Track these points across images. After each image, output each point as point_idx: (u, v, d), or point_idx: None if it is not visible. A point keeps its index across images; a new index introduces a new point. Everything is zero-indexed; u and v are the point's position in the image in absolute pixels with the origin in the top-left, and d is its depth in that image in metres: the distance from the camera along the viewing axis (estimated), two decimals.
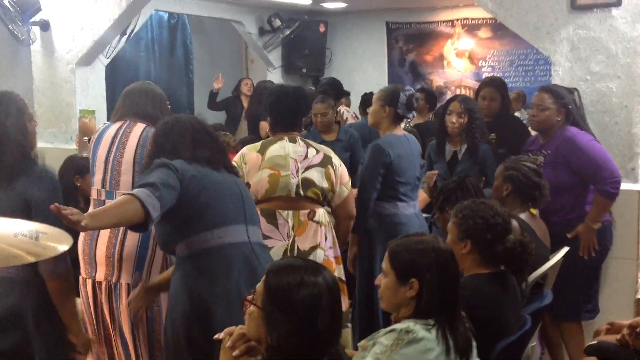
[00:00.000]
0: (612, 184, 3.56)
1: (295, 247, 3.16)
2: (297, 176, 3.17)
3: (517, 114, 5.72)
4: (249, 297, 1.86)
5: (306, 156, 3.22)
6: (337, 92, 5.82)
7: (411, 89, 3.76)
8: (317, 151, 3.27)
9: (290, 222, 3.16)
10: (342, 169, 3.34)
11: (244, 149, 3.25)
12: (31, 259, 1.56)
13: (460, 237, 2.49)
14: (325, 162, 3.26)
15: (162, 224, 2.51)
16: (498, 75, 8.05)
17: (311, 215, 3.20)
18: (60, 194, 2.63)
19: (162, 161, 2.51)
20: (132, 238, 2.98)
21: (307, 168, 3.20)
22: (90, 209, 3.12)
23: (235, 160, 3.18)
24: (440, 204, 3.21)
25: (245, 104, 7.63)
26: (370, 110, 3.79)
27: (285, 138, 3.23)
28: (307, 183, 3.19)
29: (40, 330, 2.54)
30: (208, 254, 2.50)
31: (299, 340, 1.75)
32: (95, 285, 3.06)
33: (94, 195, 3.14)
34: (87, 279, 3.09)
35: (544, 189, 3.34)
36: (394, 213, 3.64)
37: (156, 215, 2.33)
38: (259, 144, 3.26)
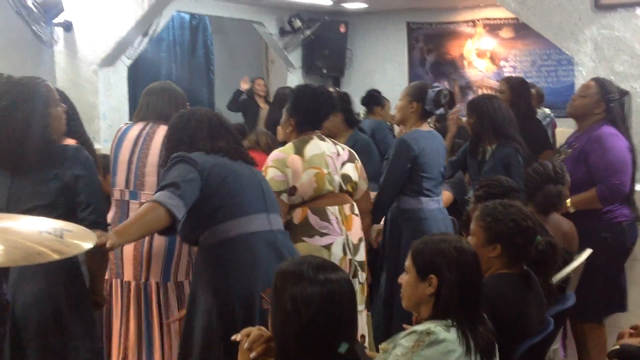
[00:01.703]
0: (613, 190, 3.50)
1: (350, 242, 3.20)
2: (338, 172, 3.21)
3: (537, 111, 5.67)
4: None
5: (338, 153, 3.27)
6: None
7: (439, 85, 3.75)
8: (343, 148, 3.34)
9: (339, 217, 3.19)
10: (361, 164, 3.42)
11: (279, 153, 3.15)
12: (56, 257, 1.58)
13: (489, 241, 2.46)
14: (352, 157, 3.34)
15: (185, 216, 2.52)
16: (520, 75, 8.00)
17: (352, 209, 3.27)
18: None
19: (179, 156, 2.53)
20: (160, 237, 2.99)
21: (343, 164, 3.26)
22: (112, 209, 3.13)
23: (274, 165, 3.10)
24: (478, 197, 3.19)
25: (261, 104, 7.65)
26: (397, 105, 3.80)
27: (315, 137, 3.23)
28: (346, 178, 3.25)
29: (73, 308, 2.56)
30: (232, 243, 2.51)
31: (291, 334, 1.76)
32: (123, 286, 3.06)
33: (116, 195, 3.14)
34: (112, 279, 3.08)
35: (549, 190, 3.28)
36: (417, 208, 3.65)
37: (182, 216, 2.35)
38: (291, 145, 3.18)
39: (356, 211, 3.30)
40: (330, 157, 3.20)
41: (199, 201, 2.46)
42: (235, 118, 7.53)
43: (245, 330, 1.91)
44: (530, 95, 4.86)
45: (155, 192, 2.41)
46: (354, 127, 4.74)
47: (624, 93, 3.70)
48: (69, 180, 2.51)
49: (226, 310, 2.46)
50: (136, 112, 3.31)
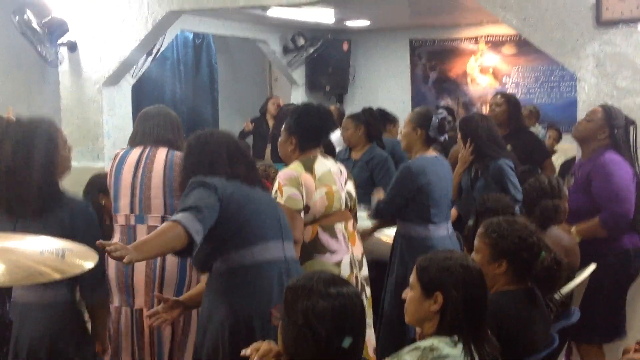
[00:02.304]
0: (617, 219, 3.47)
1: (355, 258, 3.23)
2: (344, 190, 3.24)
3: (532, 129, 5.72)
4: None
5: (341, 171, 3.30)
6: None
7: (444, 111, 3.76)
8: (340, 165, 3.37)
9: (345, 234, 3.21)
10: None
11: (290, 172, 3.09)
12: (57, 276, 1.58)
13: (495, 257, 2.45)
14: (349, 175, 3.38)
15: (202, 243, 2.51)
16: (523, 91, 8.03)
17: (354, 225, 3.31)
18: (96, 222, 2.63)
19: (200, 180, 2.51)
20: (172, 262, 2.96)
21: (345, 181, 3.29)
22: (116, 235, 3.09)
23: (289, 184, 3.04)
24: (478, 216, 3.18)
25: (271, 123, 7.67)
26: (402, 132, 3.82)
27: (319, 155, 3.23)
28: (349, 195, 3.29)
29: (73, 347, 2.54)
30: (246, 271, 2.51)
31: (303, 348, 1.76)
32: (135, 314, 3.03)
33: (120, 221, 3.10)
34: (122, 308, 3.05)
35: (545, 205, 3.26)
36: (425, 236, 3.63)
37: (199, 240, 2.34)
38: (299, 164, 3.14)
39: (355, 226, 3.34)
40: (336, 174, 3.22)
41: (216, 227, 2.44)
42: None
43: (254, 345, 1.92)
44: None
45: (176, 214, 2.38)
46: (373, 141, 4.83)
47: (630, 122, 3.70)
48: (68, 232, 2.39)
49: (239, 331, 2.45)
50: (131, 137, 3.27)
